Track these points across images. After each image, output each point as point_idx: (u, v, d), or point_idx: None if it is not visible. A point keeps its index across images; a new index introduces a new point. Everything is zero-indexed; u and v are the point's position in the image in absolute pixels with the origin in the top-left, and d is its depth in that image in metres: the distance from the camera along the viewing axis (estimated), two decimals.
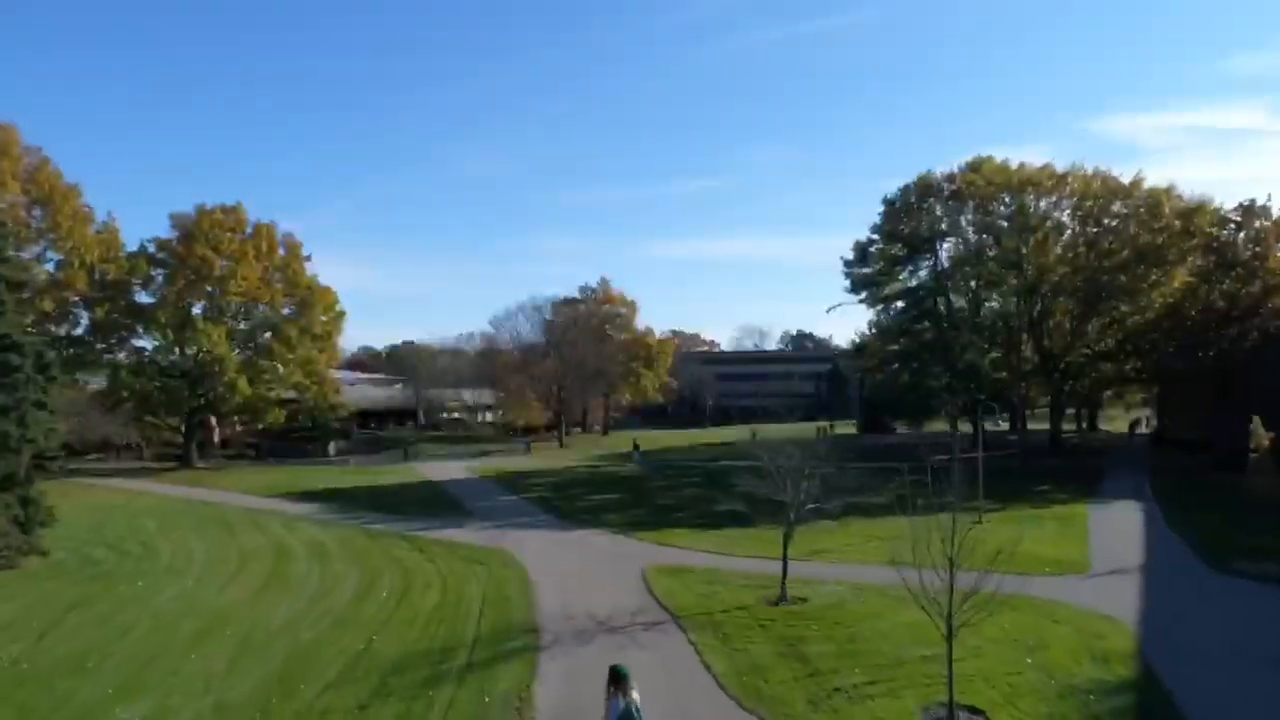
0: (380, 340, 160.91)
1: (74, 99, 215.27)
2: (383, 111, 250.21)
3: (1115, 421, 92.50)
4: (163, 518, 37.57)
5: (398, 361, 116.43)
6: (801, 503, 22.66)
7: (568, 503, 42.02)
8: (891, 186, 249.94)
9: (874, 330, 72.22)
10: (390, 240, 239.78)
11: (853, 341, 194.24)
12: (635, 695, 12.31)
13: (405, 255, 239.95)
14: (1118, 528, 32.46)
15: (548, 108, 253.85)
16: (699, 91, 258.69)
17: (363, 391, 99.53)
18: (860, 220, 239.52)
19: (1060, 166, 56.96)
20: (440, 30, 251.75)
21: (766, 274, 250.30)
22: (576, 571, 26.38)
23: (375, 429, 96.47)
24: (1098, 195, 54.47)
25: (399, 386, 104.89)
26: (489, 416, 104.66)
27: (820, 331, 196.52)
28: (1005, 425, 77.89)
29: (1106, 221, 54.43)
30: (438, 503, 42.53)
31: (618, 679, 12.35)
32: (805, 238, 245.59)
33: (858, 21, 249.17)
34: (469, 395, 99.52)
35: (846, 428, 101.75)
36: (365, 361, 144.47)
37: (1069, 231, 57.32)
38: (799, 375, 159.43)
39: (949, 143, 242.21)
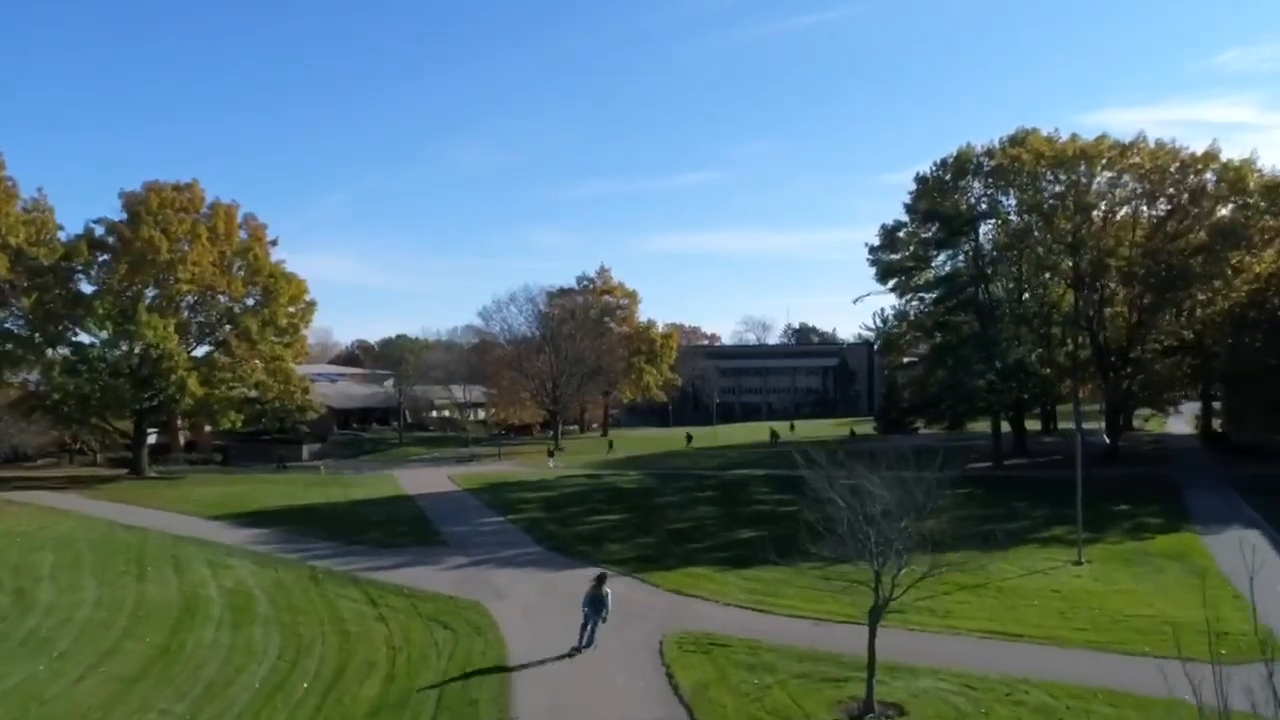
0: (376, 334, 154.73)
1: (65, 91, 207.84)
2: (378, 105, 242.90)
3: (1151, 421, 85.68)
4: (66, 551, 30.83)
5: (389, 357, 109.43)
6: (898, 570, 15.89)
7: (562, 527, 35.38)
8: (890, 180, 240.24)
9: (897, 321, 65.70)
10: (387, 234, 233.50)
11: (858, 335, 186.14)
12: (608, 590, 19.47)
13: (402, 249, 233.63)
14: (1258, 572, 25.74)
15: (544, 102, 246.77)
16: (696, 85, 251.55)
17: (344, 389, 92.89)
18: (862, 212, 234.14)
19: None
20: (435, 24, 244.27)
21: (767, 267, 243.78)
22: (572, 646, 19.76)
23: (357, 429, 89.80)
24: (1166, 168, 47.77)
25: (390, 382, 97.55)
26: (481, 414, 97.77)
27: (823, 324, 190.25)
28: (1036, 427, 71.56)
29: (1177, 197, 47.69)
30: (408, 526, 35.88)
31: (600, 580, 19.85)
32: (806, 231, 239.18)
33: (852, 16, 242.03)
34: (460, 392, 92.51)
35: (858, 426, 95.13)
36: (359, 356, 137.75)
37: (1129, 209, 50.61)
38: (804, 370, 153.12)
39: (945, 136, 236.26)
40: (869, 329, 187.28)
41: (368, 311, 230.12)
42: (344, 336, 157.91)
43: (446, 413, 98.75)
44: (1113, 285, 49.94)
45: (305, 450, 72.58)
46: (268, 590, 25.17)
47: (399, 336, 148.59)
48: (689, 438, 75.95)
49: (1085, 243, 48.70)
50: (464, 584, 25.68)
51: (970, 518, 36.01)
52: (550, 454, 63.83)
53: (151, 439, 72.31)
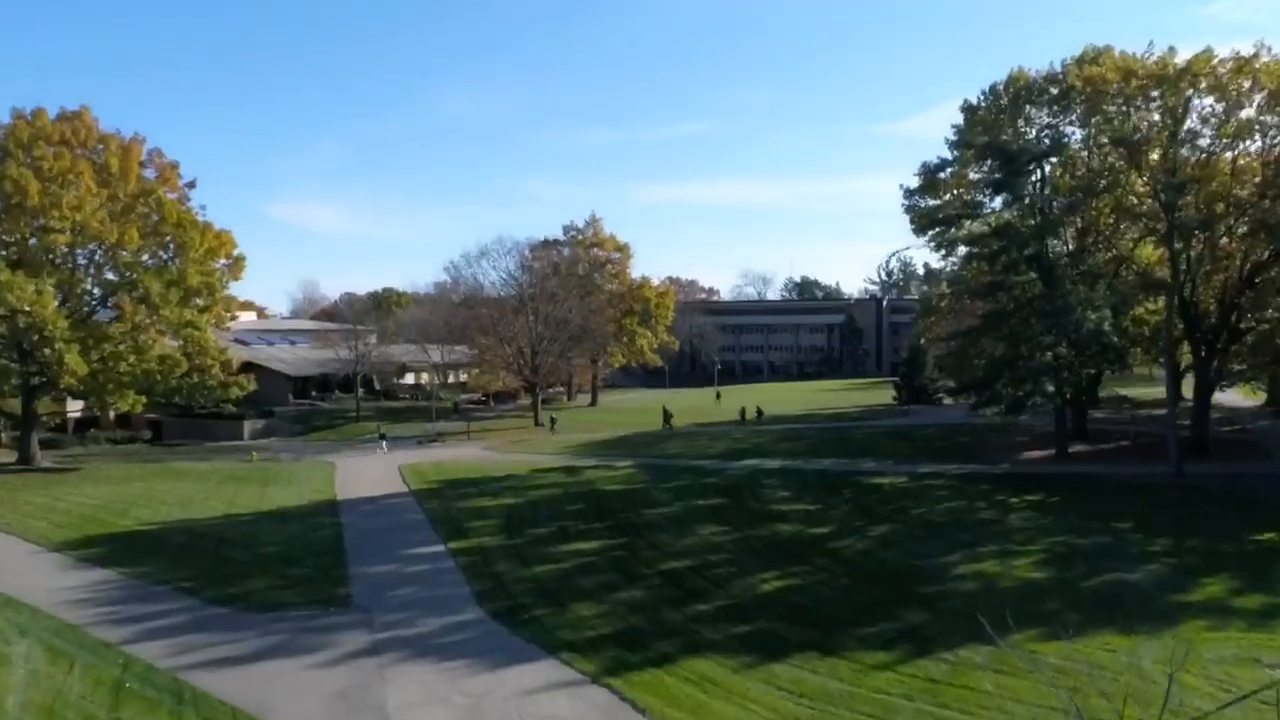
0: (365, 287, 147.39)
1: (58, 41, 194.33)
2: (368, 52, 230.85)
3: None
4: None
5: (343, 317, 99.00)
6: None
7: (519, 565, 26.11)
8: (887, 130, 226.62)
9: (935, 281, 56.02)
10: (379, 183, 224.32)
11: (865, 290, 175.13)
12: None
13: (394, 199, 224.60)
14: None
15: (536, 49, 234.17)
16: (687, 32, 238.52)
17: (301, 353, 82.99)
18: (862, 163, 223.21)
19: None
20: None
21: (767, 218, 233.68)
22: None
23: (316, 399, 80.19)
24: None
25: (373, 339, 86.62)
26: (464, 377, 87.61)
27: (826, 278, 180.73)
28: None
29: None
30: (310, 565, 26.52)
31: None
32: (806, 181, 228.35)
33: None
34: (437, 354, 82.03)
35: (866, 393, 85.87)
36: (341, 310, 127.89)
37: (1242, 141, 40.65)
38: (809, 328, 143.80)
39: (942, 85, 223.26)
40: (874, 283, 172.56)
41: (360, 262, 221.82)
42: (332, 289, 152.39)
43: (425, 376, 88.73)
44: (1220, 234, 40.29)
45: (247, 428, 63.20)
46: None
47: (385, 290, 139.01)
48: (552, 419, 64.09)
49: (1187, 183, 38.86)
50: (339, 707, 16.43)
51: (1067, 554, 26.92)
52: (381, 436, 54.27)
53: (77, 414, 63.16)
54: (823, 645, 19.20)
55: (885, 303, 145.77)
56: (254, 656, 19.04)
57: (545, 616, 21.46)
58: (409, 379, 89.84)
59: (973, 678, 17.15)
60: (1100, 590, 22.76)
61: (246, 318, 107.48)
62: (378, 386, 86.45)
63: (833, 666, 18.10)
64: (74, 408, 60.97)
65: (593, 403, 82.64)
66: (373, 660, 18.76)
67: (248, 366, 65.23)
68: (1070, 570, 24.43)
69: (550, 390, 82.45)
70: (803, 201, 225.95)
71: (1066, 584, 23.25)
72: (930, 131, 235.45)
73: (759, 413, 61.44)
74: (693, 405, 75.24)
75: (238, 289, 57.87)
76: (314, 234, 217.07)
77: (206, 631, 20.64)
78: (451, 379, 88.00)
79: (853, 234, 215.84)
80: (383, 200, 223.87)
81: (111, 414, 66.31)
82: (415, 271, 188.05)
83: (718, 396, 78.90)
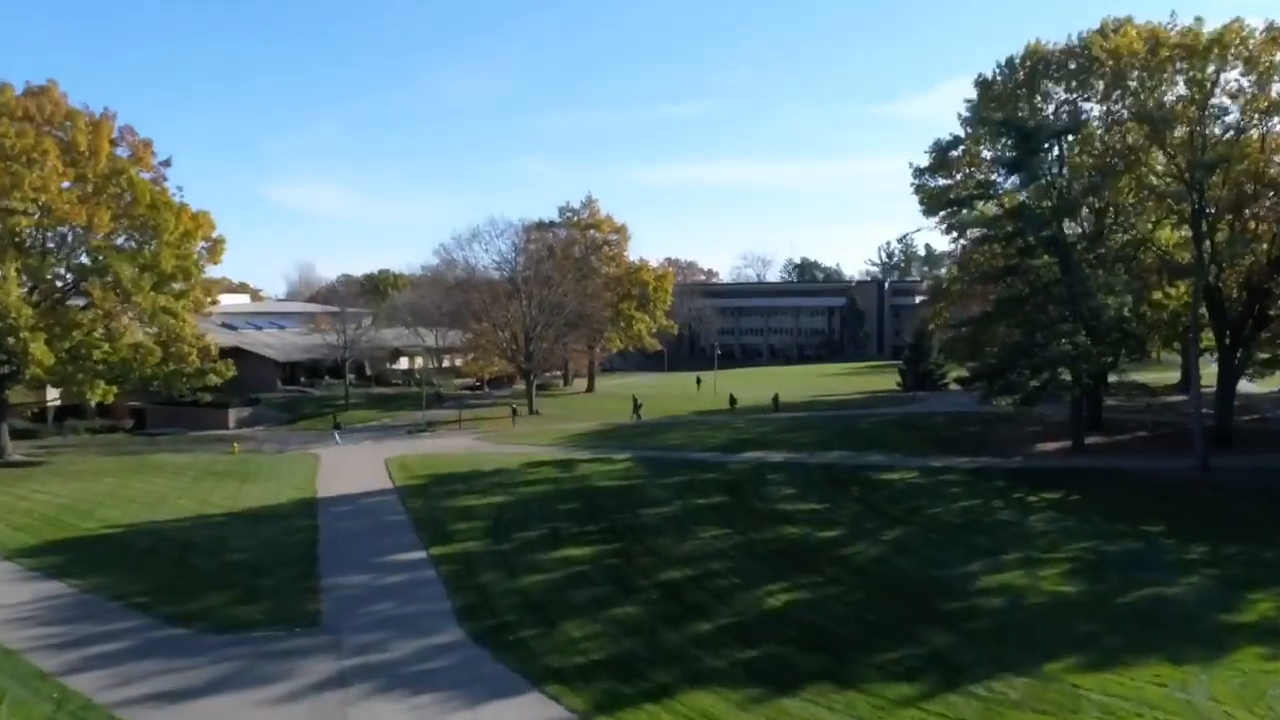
0: (361, 268, 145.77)
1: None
2: (365, 32, 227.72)
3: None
4: None
5: (335, 299, 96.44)
6: None
7: (505, 576, 24.13)
8: (887, 111, 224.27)
9: (945, 263, 53.93)
10: (377, 165, 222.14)
11: (866, 272, 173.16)
12: None
13: (392, 180, 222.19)
14: None
15: (532, 29, 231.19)
16: (685, 12, 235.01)
17: (289, 339, 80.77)
18: (862, 144, 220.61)
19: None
20: None
21: (766, 200, 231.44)
22: None
23: (305, 385, 77.99)
24: None
25: (366, 321, 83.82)
26: (457, 362, 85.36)
27: (827, 259, 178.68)
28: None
29: None
30: (279, 575, 24.47)
31: None
32: (806, 162, 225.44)
33: None
34: (431, 338, 79.50)
35: (869, 378, 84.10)
36: (339, 292, 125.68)
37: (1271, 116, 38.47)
38: (809, 310, 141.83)
39: (941, 67, 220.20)
40: (875, 265, 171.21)
41: (357, 244, 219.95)
42: (329, 271, 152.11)
43: (420, 361, 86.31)
44: (1247, 217, 38.22)
45: (232, 416, 61.14)
46: None
47: (380, 272, 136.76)
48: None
49: (1216, 162, 36.68)
50: None
51: (1096, 563, 25.05)
52: (336, 426, 53.29)
53: (56, 403, 61.13)
54: (838, 675, 17.26)
55: (887, 285, 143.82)
56: (205, 689, 17.08)
57: (532, 638, 19.52)
58: (402, 364, 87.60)
59: (1010, 718, 15.22)
60: (1139, 606, 20.83)
61: (238, 299, 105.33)
62: (369, 372, 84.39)
63: (850, 702, 16.14)
64: (53, 396, 58.99)
65: (589, 388, 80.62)
66: (336, 695, 16.80)
67: (234, 351, 63.09)
68: (1103, 582, 22.49)
69: (546, 375, 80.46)
70: (802, 183, 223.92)
71: (1101, 599, 21.32)
72: (930, 113, 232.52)
73: (732, 400, 59.86)
74: (683, 392, 73.39)
75: (226, 271, 56.12)
76: (311, 216, 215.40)
77: (157, 657, 18.68)
78: (446, 364, 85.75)
79: (853, 216, 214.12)
80: (380, 182, 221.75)
81: (92, 402, 64.44)
82: (413, 254, 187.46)
83: (698, 382, 76.75)
